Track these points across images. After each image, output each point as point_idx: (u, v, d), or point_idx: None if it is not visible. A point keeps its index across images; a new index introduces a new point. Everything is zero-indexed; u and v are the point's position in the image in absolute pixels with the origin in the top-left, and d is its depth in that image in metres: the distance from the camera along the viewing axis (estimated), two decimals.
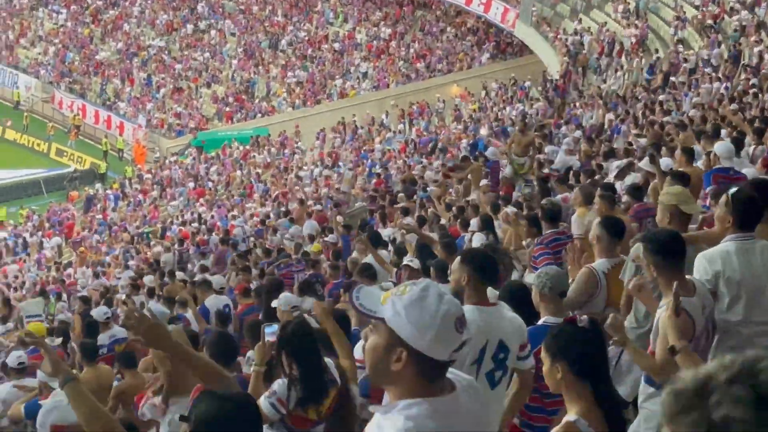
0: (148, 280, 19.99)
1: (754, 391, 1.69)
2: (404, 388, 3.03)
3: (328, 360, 6.24)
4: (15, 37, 62.27)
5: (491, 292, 6.10)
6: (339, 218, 23.86)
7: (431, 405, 2.98)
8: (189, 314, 13.76)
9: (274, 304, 10.23)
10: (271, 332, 6.47)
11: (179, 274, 20.67)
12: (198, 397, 4.02)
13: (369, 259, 13.20)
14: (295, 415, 5.91)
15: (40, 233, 39.00)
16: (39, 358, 9.89)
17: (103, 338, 13.00)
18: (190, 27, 59.96)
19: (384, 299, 3.09)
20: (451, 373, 3.15)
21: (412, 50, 54.01)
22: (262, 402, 5.99)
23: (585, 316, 4.44)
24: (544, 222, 10.41)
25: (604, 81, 37.66)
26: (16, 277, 31.70)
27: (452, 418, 3.00)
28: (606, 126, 26.76)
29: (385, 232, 17.28)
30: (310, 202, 28.09)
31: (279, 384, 5.98)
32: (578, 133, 25.11)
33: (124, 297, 19.44)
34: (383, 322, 3.05)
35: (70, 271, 31.17)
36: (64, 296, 25.74)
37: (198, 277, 17.94)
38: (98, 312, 14.07)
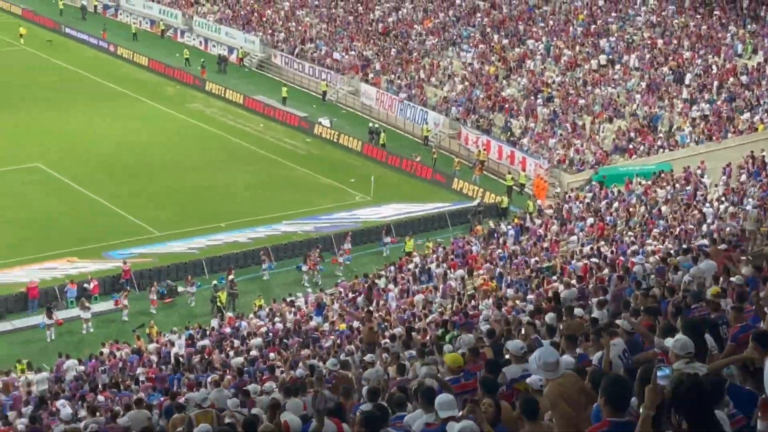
0: (549, 317, 19.71)
1: None
2: None
3: (720, 414, 5.93)
4: (426, 76, 65.44)
5: None
6: (743, 258, 22.88)
7: None
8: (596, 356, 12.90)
9: (667, 342, 9.88)
10: (662, 375, 6.19)
11: (578, 311, 20.46)
12: None
13: None
14: None
15: (444, 264, 40.43)
16: None
17: (515, 370, 12.72)
18: (594, 62, 60.08)
19: None
20: None
21: None
22: None
23: None
24: None
25: None
26: (423, 307, 33.00)
27: None
28: None
29: None
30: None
31: None
32: None
33: (523, 331, 19.60)
34: None
35: (473, 302, 32.05)
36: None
37: (600, 318, 17.49)
38: (514, 346, 13.43)
